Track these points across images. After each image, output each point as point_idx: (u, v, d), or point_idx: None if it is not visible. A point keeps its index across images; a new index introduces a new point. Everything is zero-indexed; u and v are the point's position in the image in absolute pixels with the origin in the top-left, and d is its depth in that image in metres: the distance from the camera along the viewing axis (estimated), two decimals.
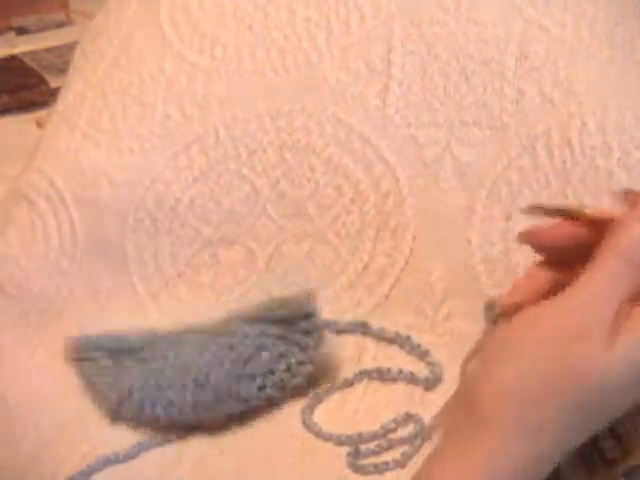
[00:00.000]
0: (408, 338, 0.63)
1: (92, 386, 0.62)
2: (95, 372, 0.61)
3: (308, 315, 0.60)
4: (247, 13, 0.74)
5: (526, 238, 0.47)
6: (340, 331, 0.64)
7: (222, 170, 0.71)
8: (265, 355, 0.59)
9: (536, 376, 0.41)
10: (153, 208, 0.71)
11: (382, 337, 0.64)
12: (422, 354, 0.63)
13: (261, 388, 0.58)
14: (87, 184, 0.73)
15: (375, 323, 0.65)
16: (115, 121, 0.74)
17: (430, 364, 0.62)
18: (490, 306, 0.56)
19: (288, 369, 0.59)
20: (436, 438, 0.54)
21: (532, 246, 0.48)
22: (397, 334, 0.63)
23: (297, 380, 0.59)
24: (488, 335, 0.48)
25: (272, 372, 0.59)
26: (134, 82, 0.75)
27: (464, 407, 0.43)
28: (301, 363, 0.59)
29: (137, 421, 0.60)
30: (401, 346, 0.64)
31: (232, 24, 0.74)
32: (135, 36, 0.78)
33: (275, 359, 0.59)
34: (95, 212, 0.72)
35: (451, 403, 0.47)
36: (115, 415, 0.60)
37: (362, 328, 0.64)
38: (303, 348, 0.60)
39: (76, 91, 0.78)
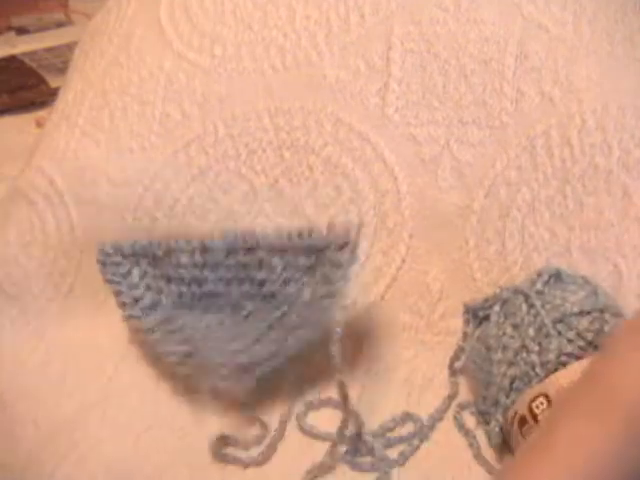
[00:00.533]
0: None
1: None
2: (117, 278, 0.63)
3: (341, 247, 0.58)
4: (247, 12, 0.74)
5: None
6: None
7: (221, 169, 0.71)
8: (289, 289, 0.58)
9: None
10: (152, 207, 0.70)
11: None
12: None
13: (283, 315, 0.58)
14: (86, 183, 0.73)
15: (370, 322, 0.65)
16: (114, 119, 0.74)
17: None
18: (466, 307, 0.58)
19: (310, 302, 0.58)
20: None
21: None
22: None
23: (319, 314, 0.57)
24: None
25: (293, 304, 0.58)
26: (134, 80, 0.75)
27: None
28: (324, 297, 0.57)
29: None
30: None
31: (232, 22, 0.74)
32: (135, 34, 0.78)
33: (298, 291, 0.58)
34: (94, 211, 0.72)
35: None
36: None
37: None
38: (328, 281, 0.57)
39: (76, 89, 0.78)
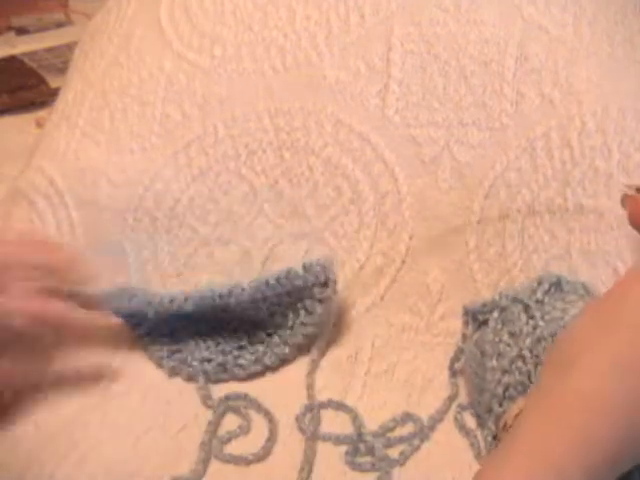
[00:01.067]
0: None
1: None
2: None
3: (323, 284, 0.61)
4: (247, 12, 0.74)
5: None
6: None
7: (221, 169, 0.71)
8: (275, 319, 0.62)
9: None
10: (152, 207, 0.70)
11: None
12: None
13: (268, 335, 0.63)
14: (86, 184, 0.72)
15: (370, 323, 0.65)
16: (115, 120, 0.74)
17: None
18: (465, 309, 0.58)
19: (291, 327, 0.62)
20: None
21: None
22: None
23: (298, 339, 0.62)
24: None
25: (279, 327, 0.63)
26: (134, 81, 0.75)
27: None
28: (303, 324, 0.62)
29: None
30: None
31: (232, 23, 0.74)
32: (135, 35, 0.78)
33: (282, 320, 0.62)
34: (94, 211, 0.72)
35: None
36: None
37: None
38: (310, 312, 0.62)
39: (76, 90, 0.78)
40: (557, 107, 0.64)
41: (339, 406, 0.59)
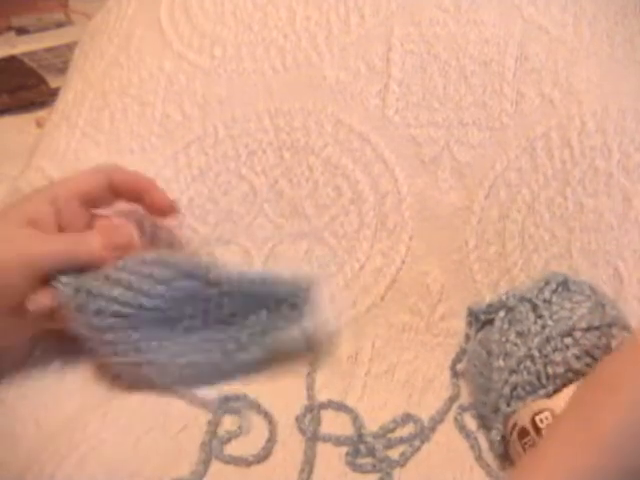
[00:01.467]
0: None
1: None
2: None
3: (303, 294, 0.60)
4: (247, 12, 0.74)
5: None
6: None
7: (221, 169, 0.71)
8: (248, 320, 0.61)
9: None
10: None
11: None
12: None
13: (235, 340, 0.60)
14: None
15: (370, 323, 0.65)
16: (114, 120, 0.74)
17: None
18: (470, 310, 0.58)
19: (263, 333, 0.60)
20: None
21: None
22: None
23: (270, 344, 0.60)
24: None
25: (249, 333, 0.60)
26: (134, 81, 0.75)
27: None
28: (278, 329, 0.60)
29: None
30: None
31: (232, 23, 0.74)
32: (135, 35, 0.77)
33: (255, 322, 0.61)
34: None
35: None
36: None
37: None
38: (289, 320, 0.60)
39: (76, 90, 0.78)
40: (557, 107, 0.65)
41: (339, 407, 0.59)
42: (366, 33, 0.70)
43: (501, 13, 0.68)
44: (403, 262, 0.66)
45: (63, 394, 0.62)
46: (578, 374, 0.50)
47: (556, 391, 0.50)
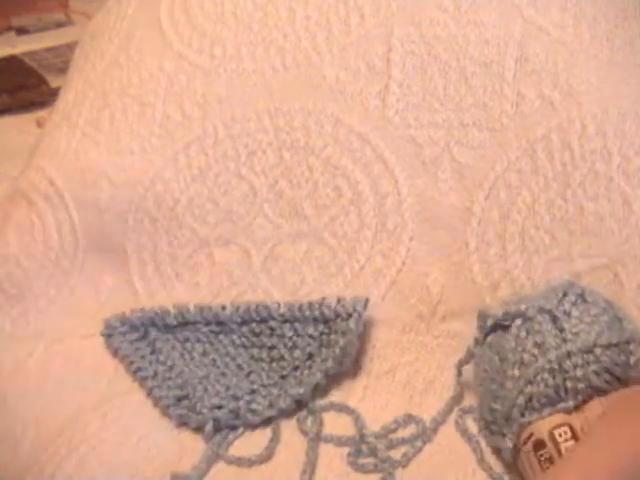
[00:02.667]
0: None
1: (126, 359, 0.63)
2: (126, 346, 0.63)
3: (346, 317, 0.61)
4: (247, 12, 0.75)
5: None
6: None
7: (221, 170, 0.71)
8: (295, 353, 0.61)
9: None
10: (152, 208, 0.71)
11: None
12: None
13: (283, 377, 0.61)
14: (87, 184, 0.73)
15: (371, 324, 0.65)
16: (115, 121, 0.74)
17: None
18: (483, 315, 0.57)
19: (310, 367, 0.61)
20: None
21: None
22: None
23: (316, 378, 0.60)
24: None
25: (296, 368, 0.61)
26: (134, 81, 0.75)
27: None
28: (324, 360, 0.60)
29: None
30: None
31: (232, 23, 0.75)
32: (135, 35, 0.78)
33: (303, 356, 0.61)
34: (95, 213, 0.73)
35: None
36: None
37: None
38: (330, 346, 0.60)
39: (76, 90, 0.78)
40: (557, 109, 0.65)
41: (341, 408, 0.60)
42: (366, 33, 0.70)
43: (501, 13, 0.68)
44: (403, 263, 0.66)
45: (63, 394, 0.63)
46: (598, 390, 0.50)
47: (577, 407, 0.51)
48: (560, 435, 0.49)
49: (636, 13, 0.68)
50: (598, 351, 0.51)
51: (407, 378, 0.62)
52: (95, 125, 0.75)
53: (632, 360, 0.51)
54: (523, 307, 0.55)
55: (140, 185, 0.72)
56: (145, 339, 0.64)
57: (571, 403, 0.51)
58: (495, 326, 0.56)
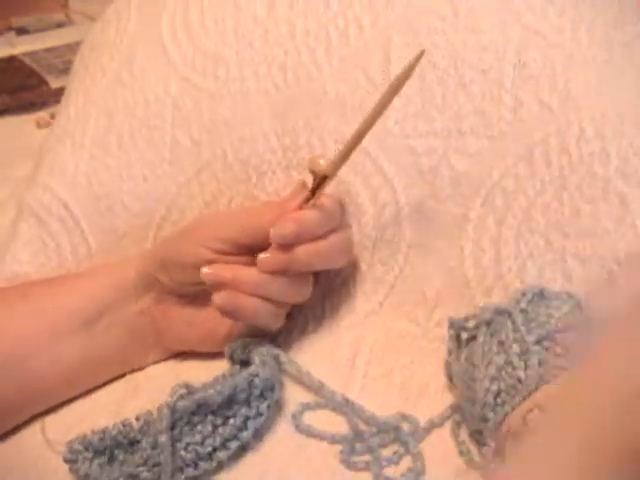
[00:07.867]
0: None
1: None
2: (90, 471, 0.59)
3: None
4: (247, 29, 0.77)
5: None
6: None
7: (232, 194, 0.75)
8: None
9: None
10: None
11: None
12: None
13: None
14: (102, 210, 0.76)
15: (369, 329, 0.69)
16: (123, 144, 0.78)
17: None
18: (453, 324, 0.61)
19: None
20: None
21: None
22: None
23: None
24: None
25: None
26: (139, 102, 0.79)
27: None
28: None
29: None
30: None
31: (233, 41, 0.78)
32: (137, 53, 0.81)
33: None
34: (113, 239, 0.76)
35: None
36: None
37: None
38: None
39: (77, 105, 0.81)
40: (555, 113, 0.66)
41: (335, 406, 0.63)
42: (364, 44, 0.72)
43: (499, 19, 0.70)
44: (401, 270, 0.70)
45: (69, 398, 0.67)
46: (562, 370, 0.52)
47: (538, 387, 0.52)
48: (532, 419, 0.51)
49: (634, 16, 0.70)
50: (555, 335, 0.54)
51: (402, 381, 0.65)
52: (102, 147, 0.78)
53: (594, 338, 0.50)
54: (479, 311, 0.59)
55: (157, 213, 0.76)
56: (114, 465, 0.60)
57: (533, 386, 0.52)
58: (468, 339, 0.60)
